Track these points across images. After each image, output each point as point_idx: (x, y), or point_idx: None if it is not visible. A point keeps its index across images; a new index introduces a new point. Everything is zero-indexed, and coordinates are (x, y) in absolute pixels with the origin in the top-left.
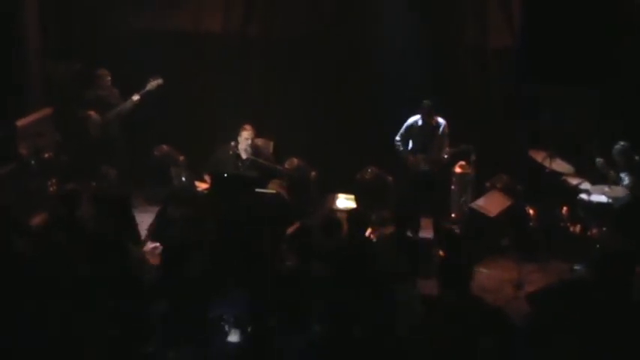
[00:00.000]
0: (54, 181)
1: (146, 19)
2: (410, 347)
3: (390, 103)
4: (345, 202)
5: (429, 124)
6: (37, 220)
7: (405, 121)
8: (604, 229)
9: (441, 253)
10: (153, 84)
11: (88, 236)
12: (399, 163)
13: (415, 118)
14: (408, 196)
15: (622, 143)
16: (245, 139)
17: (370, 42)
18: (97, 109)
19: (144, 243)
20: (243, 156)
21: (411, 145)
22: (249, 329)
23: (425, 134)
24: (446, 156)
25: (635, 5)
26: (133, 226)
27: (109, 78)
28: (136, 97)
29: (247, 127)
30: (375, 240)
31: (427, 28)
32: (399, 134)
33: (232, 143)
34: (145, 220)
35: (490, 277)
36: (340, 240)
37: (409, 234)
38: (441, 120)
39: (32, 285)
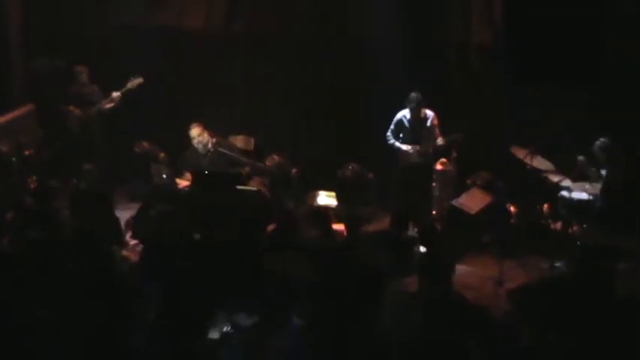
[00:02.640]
0: (34, 178)
1: (129, 16)
2: (393, 344)
3: (373, 99)
4: (326, 199)
5: (418, 117)
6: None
7: (390, 117)
8: (585, 226)
9: (422, 249)
10: (133, 82)
11: (68, 234)
12: (386, 161)
13: (403, 112)
14: (402, 190)
15: (602, 139)
16: (192, 138)
17: (354, 38)
18: (78, 106)
19: (125, 240)
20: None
21: (400, 138)
22: (230, 326)
23: (414, 127)
24: (440, 143)
25: (621, 3)
26: (115, 223)
27: (85, 74)
28: (116, 95)
29: (192, 126)
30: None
31: (412, 24)
32: (389, 129)
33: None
34: (125, 217)
35: (471, 274)
36: (323, 237)
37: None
38: (429, 112)
39: (12, 283)
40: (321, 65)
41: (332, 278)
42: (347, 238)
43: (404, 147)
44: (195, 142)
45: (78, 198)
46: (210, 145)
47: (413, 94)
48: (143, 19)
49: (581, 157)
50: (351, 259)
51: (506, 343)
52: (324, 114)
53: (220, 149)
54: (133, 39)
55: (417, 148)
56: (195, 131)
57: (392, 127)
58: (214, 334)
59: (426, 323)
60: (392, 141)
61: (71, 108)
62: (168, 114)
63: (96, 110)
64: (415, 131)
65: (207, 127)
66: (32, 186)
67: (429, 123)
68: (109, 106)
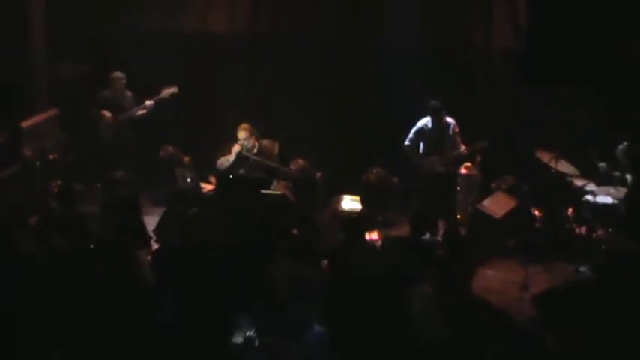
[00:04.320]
0: (58, 182)
1: (153, 20)
2: (415, 348)
3: (396, 103)
4: (350, 203)
5: (439, 125)
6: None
7: (412, 122)
8: (609, 230)
9: (443, 253)
10: (167, 91)
11: (95, 240)
12: (410, 165)
13: (424, 121)
14: (425, 199)
15: (625, 144)
16: (242, 139)
17: (377, 42)
18: (110, 111)
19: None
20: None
21: (422, 148)
22: (252, 331)
23: (436, 136)
24: (462, 153)
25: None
26: (142, 229)
27: (124, 81)
28: (149, 103)
29: (243, 127)
30: (380, 242)
31: (433, 28)
32: (408, 139)
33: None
34: (150, 221)
35: (495, 278)
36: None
37: (426, 236)
38: (449, 120)
39: (36, 287)
40: (344, 69)
41: (352, 283)
42: (346, 242)
43: (425, 161)
44: (239, 143)
45: (111, 205)
46: (255, 150)
47: (433, 102)
48: (167, 23)
49: (602, 165)
50: (373, 263)
51: (531, 348)
52: (349, 118)
53: (244, 153)
54: (157, 43)
55: (437, 159)
56: (242, 134)
57: (411, 136)
58: (238, 339)
59: (448, 327)
60: (411, 153)
61: (104, 112)
62: (192, 118)
63: (127, 117)
64: (437, 140)
65: (254, 129)
66: (56, 190)
67: (450, 131)
68: (140, 113)
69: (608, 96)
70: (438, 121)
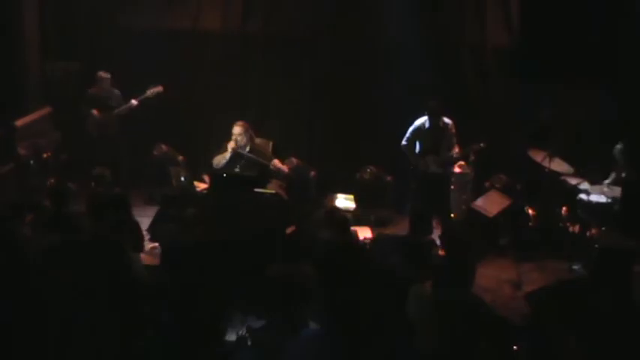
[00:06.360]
0: (52, 180)
1: (145, 19)
2: (412, 348)
3: (389, 102)
4: (344, 202)
5: (437, 125)
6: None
7: (405, 120)
8: (603, 228)
9: (442, 252)
10: (153, 91)
11: (85, 237)
12: (404, 164)
13: (422, 120)
14: (420, 198)
15: (623, 143)
16: (235, 134)
17: (370, 41)
18: (97, 109)
19: (143, 244)
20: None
21: (418, 147)
22: (245, 330)
23: (433, 135)
24: (455, 156)
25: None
26: (133, 227)
27: (108, 81)
28: (134, 103)
29: (239, 123)
30: (373, 240)
31: (427, 27)
32: (405, 138)
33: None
34: (143, 220)
35: (489, 276)
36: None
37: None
38: (447, 120)
39: (33, 285)
40: (337, 67)
41: (348, 281)
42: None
43: (421, 161)
44: (232, 138)
45: (95, 202)
46: (247, 148)
47: (432, 102)
48: (159, 22)
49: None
50: (368, 262)
51: (523, 346)
52: (342, 116)
53: (238, 150)
54: (149, 41)
55: (434, 159)
56: (237, 129)
57: (408, 135)
58: (231, 337)
59: (443, 326)
60: (409, 152)
61: (94, 112)
62: (186, 117)
63: (114, 115)
64: (434, 140)
65: (250, 128)
66: (49, 189)
67: (447, 132)
68: (125, 112)
69: (607, 96)
70: (435, 121)
